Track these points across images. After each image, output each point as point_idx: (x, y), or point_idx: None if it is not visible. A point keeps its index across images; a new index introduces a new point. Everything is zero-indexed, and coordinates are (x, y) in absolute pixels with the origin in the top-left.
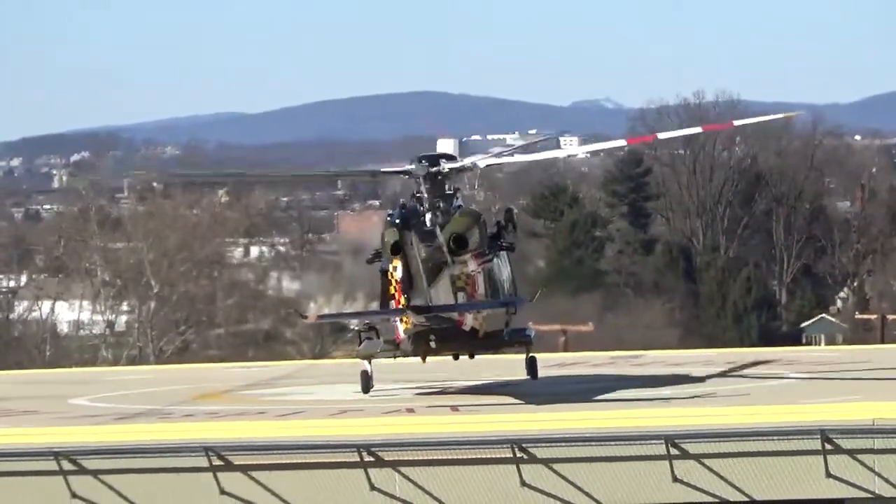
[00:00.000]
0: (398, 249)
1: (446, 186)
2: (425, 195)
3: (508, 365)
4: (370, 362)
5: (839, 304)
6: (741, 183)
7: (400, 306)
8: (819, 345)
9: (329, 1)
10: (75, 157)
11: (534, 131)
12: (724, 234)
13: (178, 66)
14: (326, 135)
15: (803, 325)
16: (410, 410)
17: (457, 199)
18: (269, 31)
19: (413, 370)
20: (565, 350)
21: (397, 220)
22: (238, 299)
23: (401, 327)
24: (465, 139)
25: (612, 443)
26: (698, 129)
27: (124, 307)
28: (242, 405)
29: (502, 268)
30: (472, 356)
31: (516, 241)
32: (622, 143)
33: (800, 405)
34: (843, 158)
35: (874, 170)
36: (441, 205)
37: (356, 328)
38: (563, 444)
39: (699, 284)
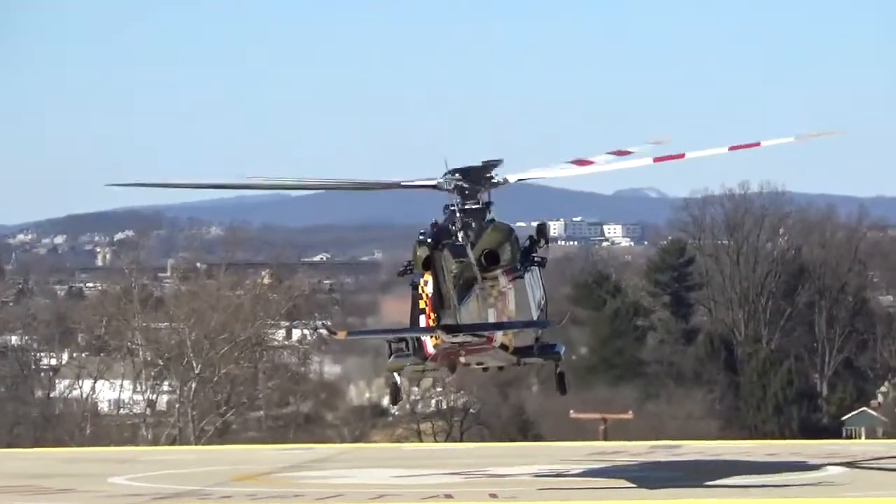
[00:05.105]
0: (429, 264)
1: (477, 199)
2: (456, 209)
3: (554, 453)
4: (399, 374)
5: (880, 398)
6: (784, 274)
7: (431, 324)
8: (859, 438)
9: (372, 86)
10: (119, 236)
11: (578, 218)
12: (766, 326)
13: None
14: (374, 214)
15: (844, 417)
16: (449, 496)
17: (489, 212)
18: (316, 115)
19: (453, 455)
20: (605, 438)
21: (429, 240)
22: (279, 382)
23: (430, 342)
24: None
25: None
26: (724, 150)
27: (165, 387)
28: (281, 487)
29: (534, 283)
30: (500, 369)
31: (548, 255)
32: (649, 161)
33: (841, 498)
34: (887, 251)
35: None
36: (472, 219)
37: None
38: None
39: (740, 375)
